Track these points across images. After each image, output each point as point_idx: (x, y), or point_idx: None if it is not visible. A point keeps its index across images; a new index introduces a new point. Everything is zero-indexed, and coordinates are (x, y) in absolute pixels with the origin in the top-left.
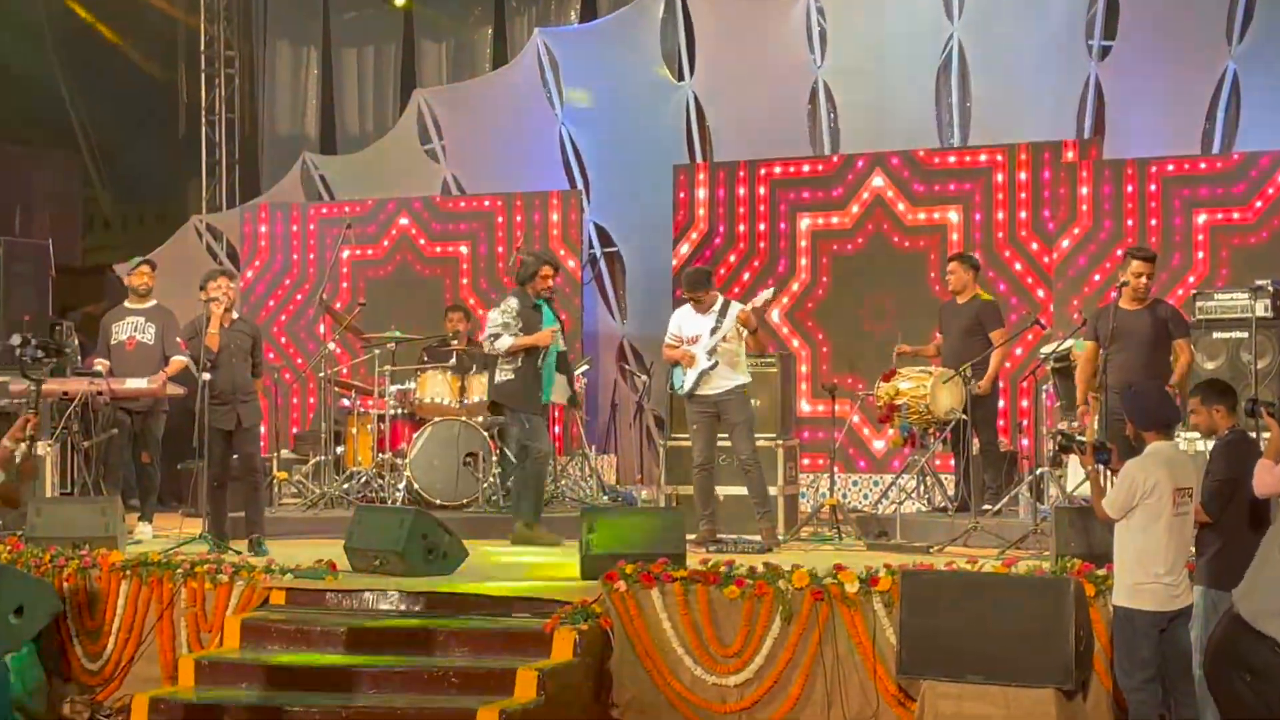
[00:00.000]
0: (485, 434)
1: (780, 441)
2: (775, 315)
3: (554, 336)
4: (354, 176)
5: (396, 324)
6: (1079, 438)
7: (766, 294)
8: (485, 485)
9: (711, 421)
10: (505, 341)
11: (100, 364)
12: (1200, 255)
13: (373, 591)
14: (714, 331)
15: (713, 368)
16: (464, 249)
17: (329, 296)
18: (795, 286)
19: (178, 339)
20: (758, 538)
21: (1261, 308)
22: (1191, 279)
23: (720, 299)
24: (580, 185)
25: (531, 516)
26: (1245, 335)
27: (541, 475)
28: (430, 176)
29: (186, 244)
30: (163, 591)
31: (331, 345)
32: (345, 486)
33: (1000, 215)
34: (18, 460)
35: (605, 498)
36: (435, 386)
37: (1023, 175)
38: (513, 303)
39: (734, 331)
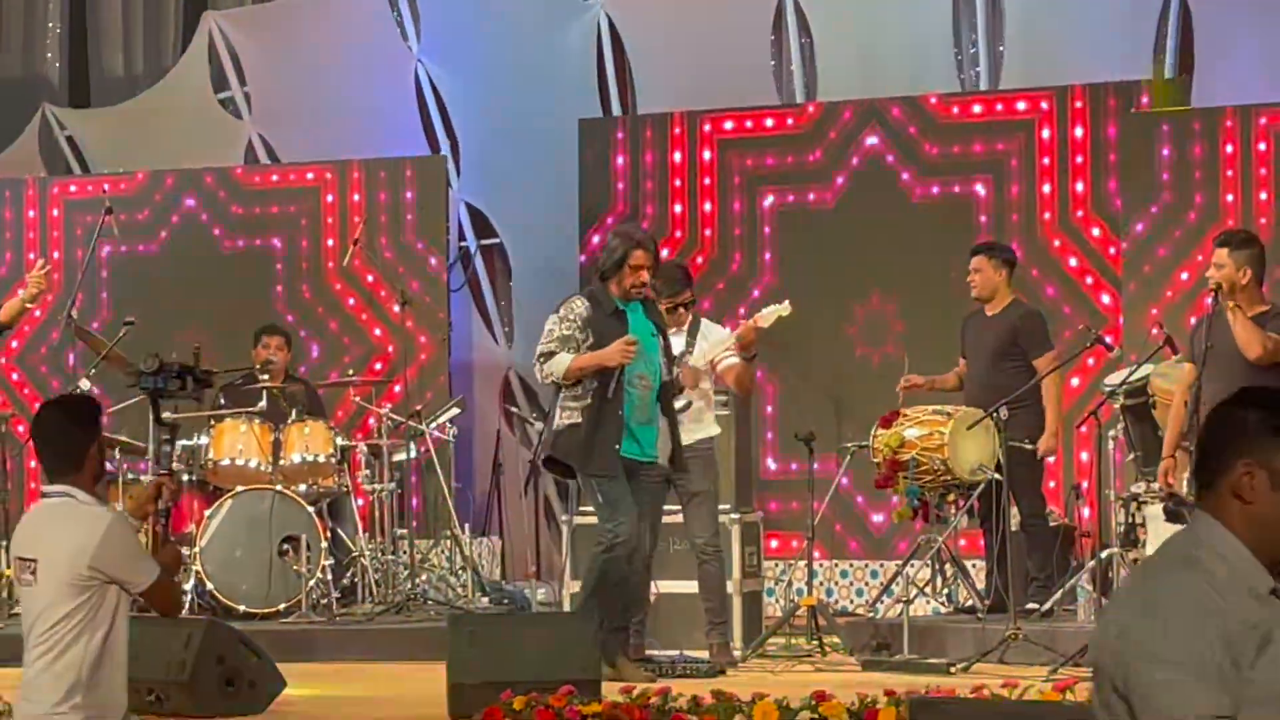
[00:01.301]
0: (309, 510)
1: (737, 516)
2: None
3: (631, 351)
4: (117, 139)
5: (179, 351)
6: (1190, 505)
7: (780, 309)
8: (311, 584)
9: (660, 490)
10: (561, 363)
11: None
12: None
13: None
14: (682, 358)
15: (685, 409)
16: (277, 243)
17: (79, 313)
18: (756, 293)
19: None
20: (706, 655)
21: None
22: None
23: (692, 316)
24: (446, 150)
25: (605, 644)
26: None
27: (618, 575)
28: (228, 138)
29: None
30: None
31: (85, 383)
32: None
33: (1047, 188)
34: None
35: (485, 599)
36: (237, 442)
37: (1078, 131)
38: (579, 306)
39: (703, 360)
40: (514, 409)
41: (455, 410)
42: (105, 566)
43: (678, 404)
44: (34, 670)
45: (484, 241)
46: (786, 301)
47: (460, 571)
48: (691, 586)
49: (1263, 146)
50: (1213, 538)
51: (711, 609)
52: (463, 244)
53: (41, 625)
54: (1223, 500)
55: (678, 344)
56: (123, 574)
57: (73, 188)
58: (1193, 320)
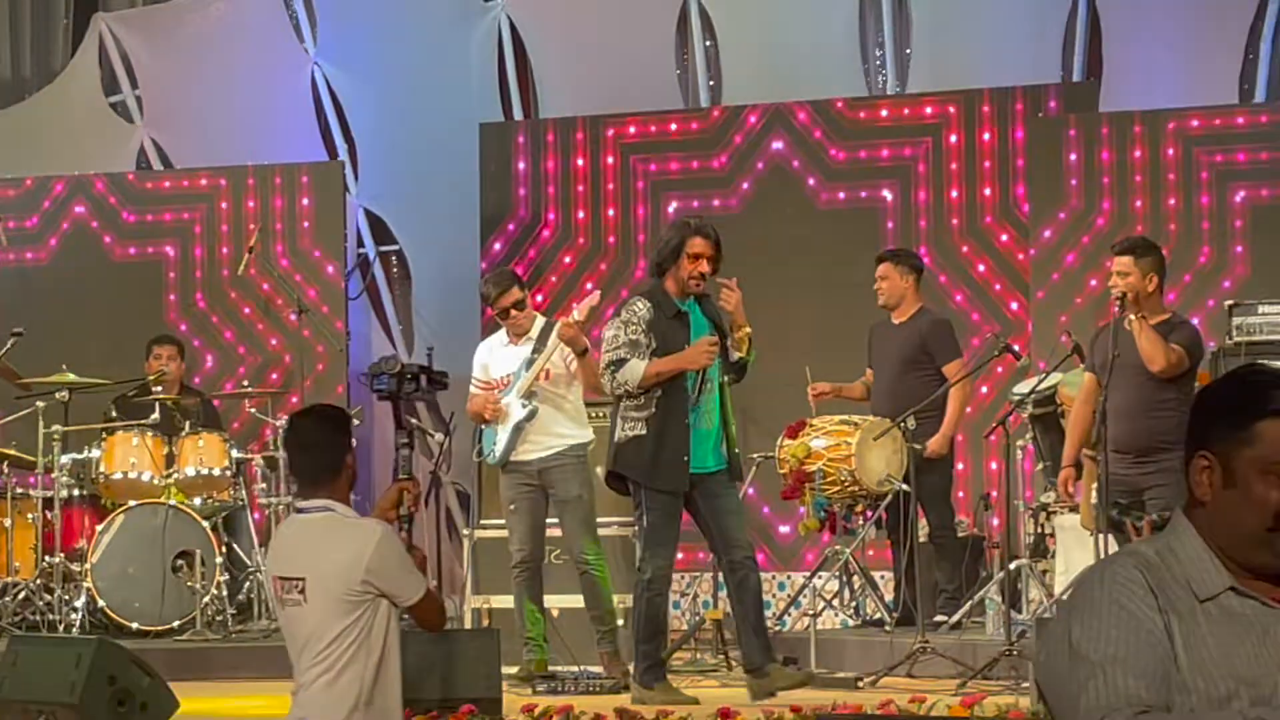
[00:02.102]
0: (204, 524)
1: (633, 528)
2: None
3: (715, 351)
4: (3, 144)
5: (69, 363)
6: (1137, 514)
7: (591, 300)
8: (206, 600)
9: (536, 500)
10: (635, 370)
11: None
12: (1238, 250)
13: None
14: (530, 365)
15: (530, 417)
16: (170, 251)
17: None
18: None
19: None
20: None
21: None
22: (1227, 283)
23: (540, 320)
24: (344, 155)
25: (648, 671)
26: None
27: (656, 605)
28: (120, 143)
29: None
30: None
31: None
32: None
33: (954, 193)
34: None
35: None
36: (130, 455)
37: (986, 135)
38: (641, 308)
39: (561, 362)
40: (415, 420)
41: (354, 421)
42: (378, 580)
43: (523, 412)
44: (311, 691)
45: (383, 248)
46: (597, 292)
47: None
48: (570, 600)
49: (1171, 152)
50: (1175, 535)
51: (597, 618)
52: (361, 251)
53: (316, 645)
54: (1187, 497)
55: (524, 351)
56: (395, 587)
57: None
58: (1097, 327)
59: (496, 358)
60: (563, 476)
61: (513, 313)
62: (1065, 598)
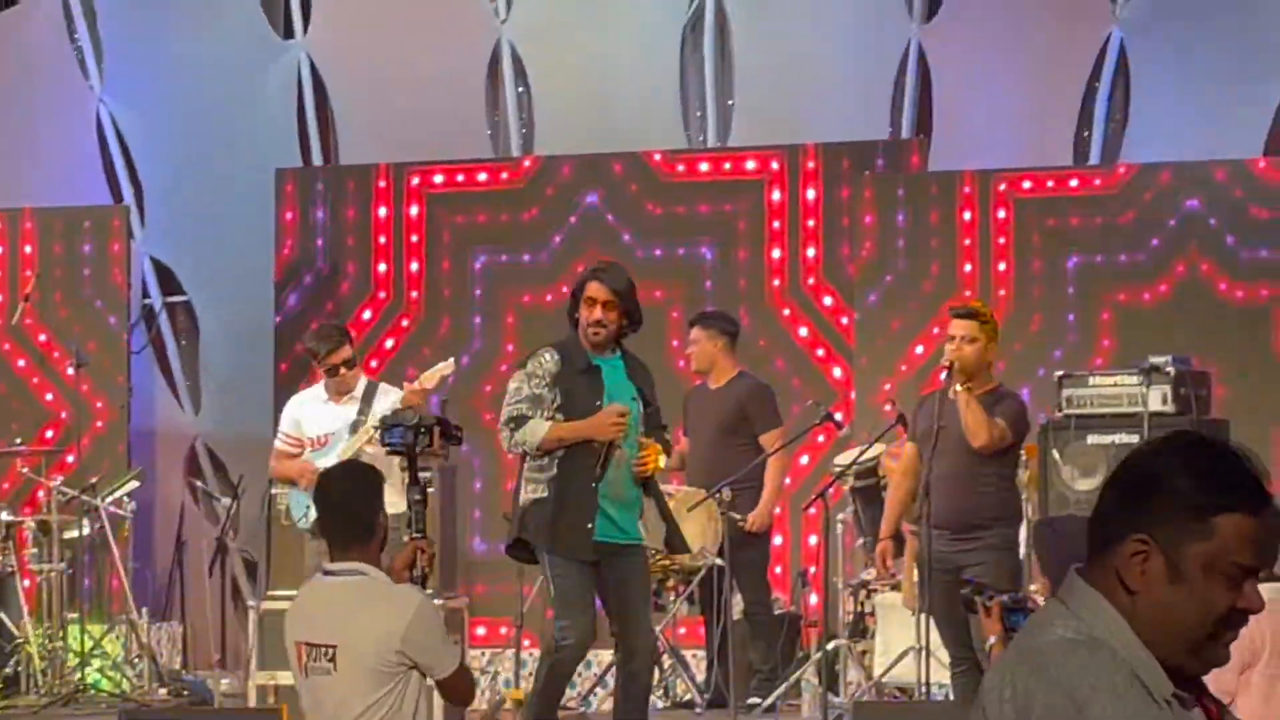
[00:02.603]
0: None
1: (440, 601)
2: (434, 404)
3: (623, 425)
4: None
5: None
6: (988, 592)
7: (444, 368)
8: None
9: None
10: (535, 432)
11: None
12: (1070, 318)
13: None
14: (356, 428)
15: None
16: None
17: None
18: (465, 360)
19: None
20: None
21: (1158, 397)
22: (1058, 353)
23: (364, 380)
24: (130, 199)
25: None
26: (1134, 440)
27: (565, 676)
28: None
29: None
30: None
31: None
32: None
33: (776, 253)
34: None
35: (163, 690)
36: None
37: (810, 193)
38: (548, 360)
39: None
40: (200, 483)
41: (134, 483)
42: (414, 651)
43: None
44: None
45: (170, 299)
46: (451, 359)
47: (136, 660)
48: None
49: (1002, 214)
50: (1098, 623)
51: None
52: (146, 302)
53: (344, 717)
54: (1106, 578)
55: (347, 412)
56: (430, 658)
57: None
58: (921, 396)
59: (312, 414)
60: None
61: (342, 370)
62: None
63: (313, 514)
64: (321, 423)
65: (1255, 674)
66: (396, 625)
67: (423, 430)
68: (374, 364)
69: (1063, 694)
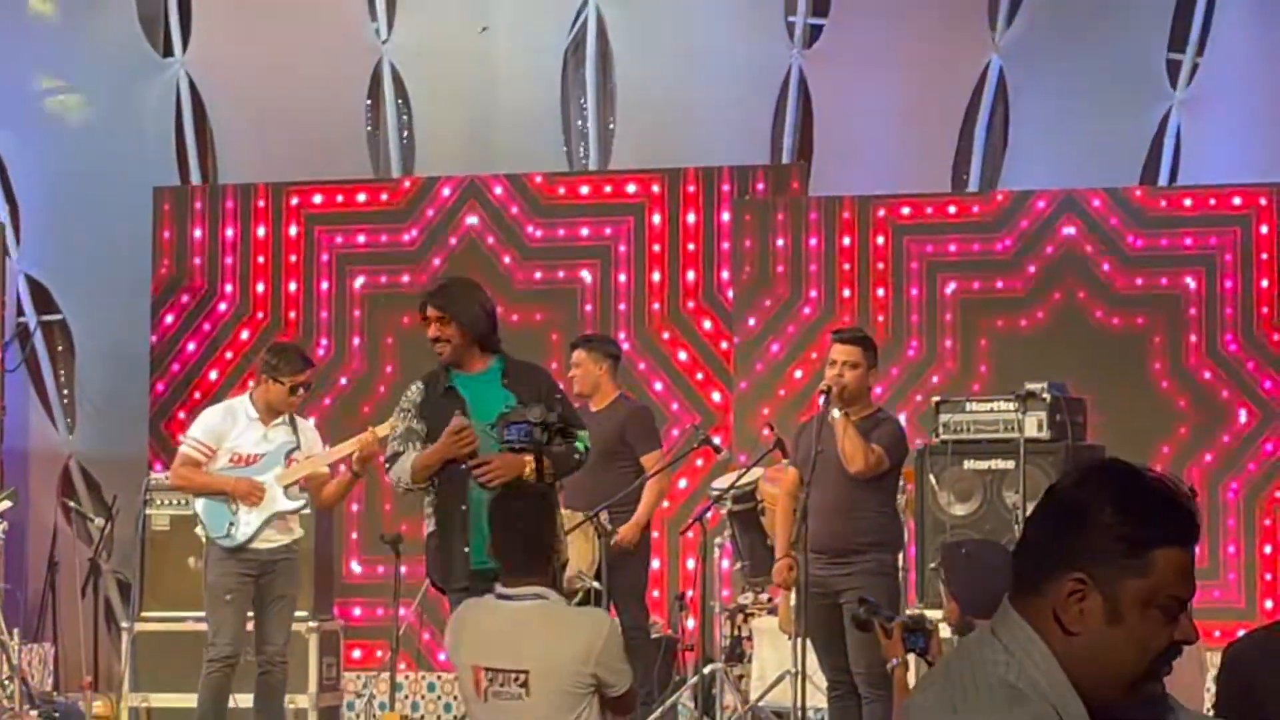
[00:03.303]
0: None
1: (315, 624)
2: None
3: (464, 440)
4: None
5: None
6: (886, 613)
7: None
8: None
9: (249, 593)
10: (403, 466)
11: None
12: (948, 344)
13: None
14: (291, 454)
15: (299, 509)
16: None
17: None
18: (343, 381)
19: None
20: None
21: (1034, 424)
22: (935, 379)
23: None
24: (4, 217)
25: None
26: (1010, 466)
27: None
28: None
29: None
30: None
31: None
32: None
33: (656, 276)
34: None
35: (33, 713)
36: None
37: (690, 217)
38: (413, 390)
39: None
40: (73, 503)
41: (7, 503)
42: (604, 671)
43: (291, 504)
44: None
45: (45, 317)
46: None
47: (7, 682)
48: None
49: (881, 240)
50: (1029, 662)
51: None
52: (21, 320)
53: None
54: (1040, 614)
55: (280, 436)
56: (614, 678)
57: None
58: (800, 423)
59: (243, 430)
60: (286, 571)
61: (300, 392)
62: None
63: (237, 531)
64: (252, 441)
65: None
66: (591, 647)
67: (547, 427)
68: (251, 384)
69: None
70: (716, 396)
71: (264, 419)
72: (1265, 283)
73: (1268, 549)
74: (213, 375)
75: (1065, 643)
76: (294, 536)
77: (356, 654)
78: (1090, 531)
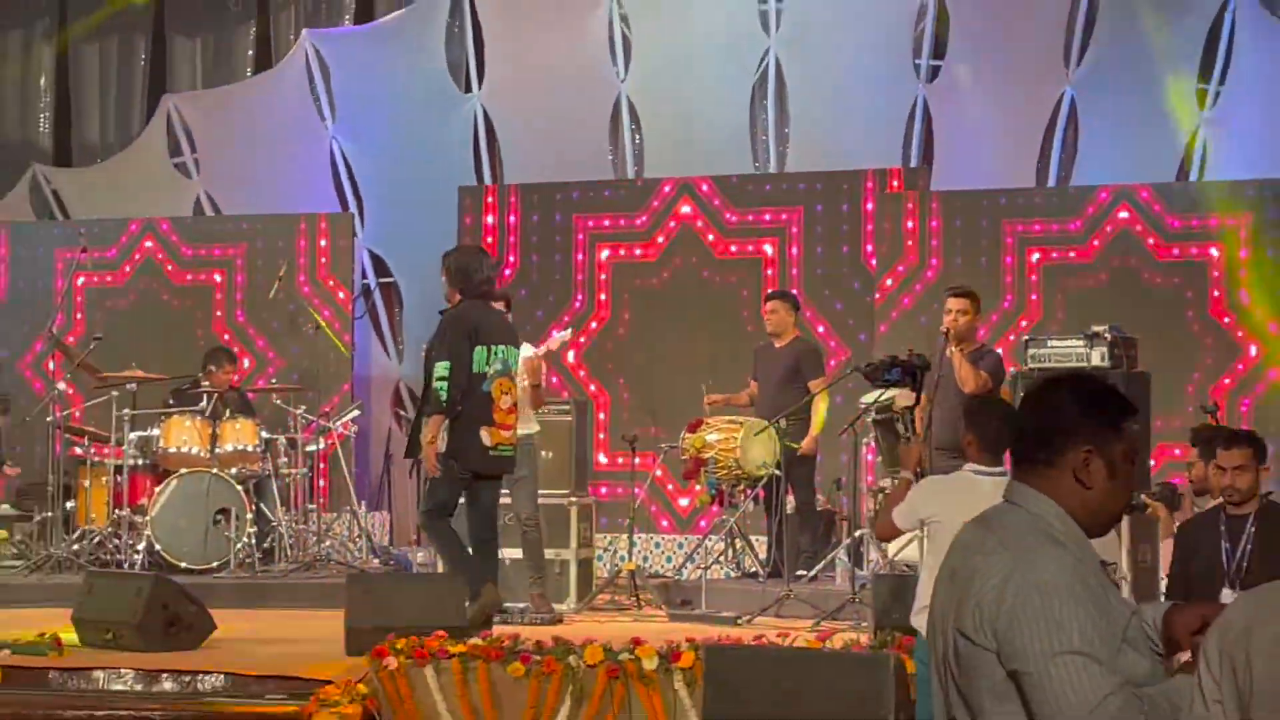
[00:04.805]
0: (239, 488)
1: (574, 498)
2: (571, 356)
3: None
4: (92, 192)
5: (137, 361)
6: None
7: (563, 335)
8: (239, 546)
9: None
10: None
11: None
12: (1033, 298)
13: (104, 670)
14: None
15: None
16: (218, 277)
17: (59, 330)
18: (594, 325)
19: None
20: (560, 607)
21: (1098, 356)
22: (1024, 323)
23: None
24: (353, 208)
25: None
26: None
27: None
28: (181, 194)
29: None
30: None
31: (61, 386)
32: (75, 548)
33: (820, 250)
34: None
35: (376, 561)
36: (182, 434)
37: (844, 206)
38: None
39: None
40: (401, 412)
41: (356, 412)
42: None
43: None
44: None
45: (382, 280)
46: (569, 329)
47: (357, 539)
48: (517, 553)
49: (984, 222)
50: (1050, 514)
51: (533, 569)
52: (365, 282)
53: None
54: (1059, 480)
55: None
56: None
57: (56, 230)
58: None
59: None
60: (518, 458)
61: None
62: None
63: None
64: None
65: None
66: None
67: (916, 370)
68: (528, 329)
69: (1035, 588)
70: (862, 337)
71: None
72: (1271, 251)
73: (1271, 449)
74: None
75: (1078, 496)
76: (523, 432)
77: (604, 521)
78: (1086, 418)
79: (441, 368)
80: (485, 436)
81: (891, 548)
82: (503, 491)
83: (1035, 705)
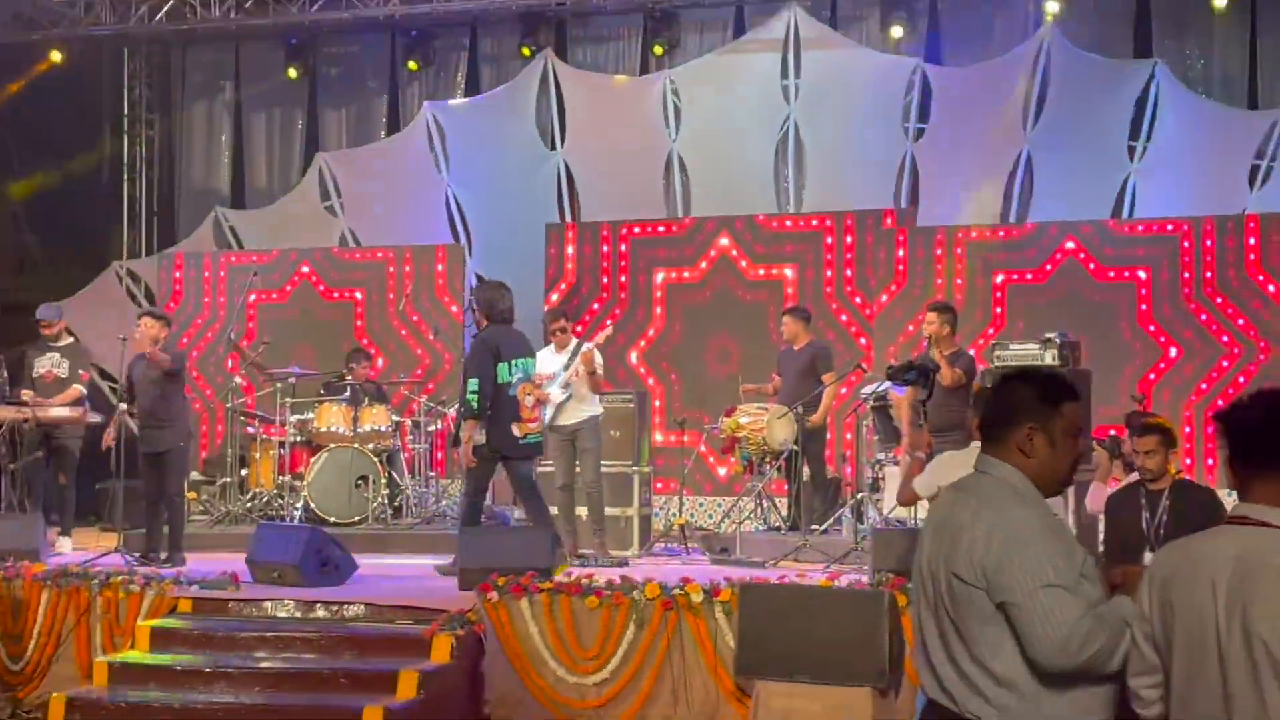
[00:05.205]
0: (375, 459)
1: (636, 468)
2: (634, 357)
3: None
4: (261, 229)
5: (297, 361)
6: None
7: (606, 332)
8: (375, 505)
9: (569, 448)
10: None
11: (25, 394)
12: (998, 311)
13: (271, 601)
14: (566, 368)
15: (566, 400)
16: (359, 295)
17: (236, 335)
18: (651, 332)
19: (80, 371)
20: (625, 553)
21: (1050, 356)
22: (991, 331)
23: (574, 340)
24: (463, 240)
25: None
26: None
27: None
28: (329, 230)
29: (108, 287)
30: (79, 600)
31: (238, 379)
32: (248, 505)
33: (829, 273)
34: None
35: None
36: (331, 417)
37: (849, 239)
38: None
39: (581, 369)
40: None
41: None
42: None
43: (562, 396)
44: None
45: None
46: (611, 326)
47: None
48: (583, 510)
49: (959, 251)
50: (1013, 478)
51: (595, 522)
52: (472, 299)
53: None
54: (1010, 452)
55: (563, 358)
56: None
57: (233, 259)
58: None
59: (545, 361)
60: (585, 434)
61: (559, 334)
62: (978, 509)
63: (547, 416)
64: (548, 365)
65: None
66: None
67: (929, 371)
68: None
69: (1015, 536)
70: (862, 341)
71: (560, 349)
72: (1186, 274)
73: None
74: (578, 329)
75: (1028, 465)
76: (588, 414)
77: (660, 485)
78: (1029, 401)
79: (473, 383)
80: (515, 430)
81: (886, 507)
82: (574, 463)
83: (1023, 628)
